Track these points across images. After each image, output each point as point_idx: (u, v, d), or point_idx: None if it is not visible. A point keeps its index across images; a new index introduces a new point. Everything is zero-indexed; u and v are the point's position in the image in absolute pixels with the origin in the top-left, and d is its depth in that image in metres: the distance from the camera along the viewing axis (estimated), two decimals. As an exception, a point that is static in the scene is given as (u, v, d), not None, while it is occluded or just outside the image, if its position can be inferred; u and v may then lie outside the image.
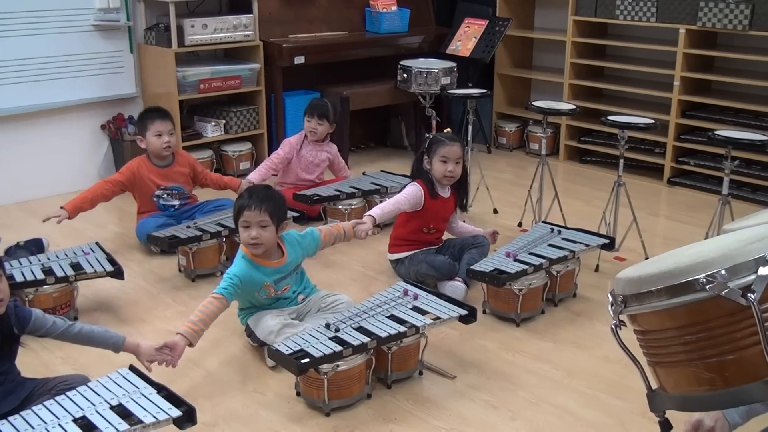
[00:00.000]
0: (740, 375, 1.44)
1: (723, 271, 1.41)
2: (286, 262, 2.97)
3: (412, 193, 3.52)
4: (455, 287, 3.44)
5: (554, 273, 3.36)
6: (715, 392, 1.47)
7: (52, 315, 2.48)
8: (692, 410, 1.63)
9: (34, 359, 2.89)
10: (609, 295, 1.61)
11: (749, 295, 1.39)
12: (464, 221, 3.93)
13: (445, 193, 3.62)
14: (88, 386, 2.26)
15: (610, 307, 1.60)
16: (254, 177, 4.37)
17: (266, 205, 2.85)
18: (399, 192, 3.60)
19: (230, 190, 4.29)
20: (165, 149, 3.98)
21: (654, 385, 1.62)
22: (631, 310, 1.56)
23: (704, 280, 1.41)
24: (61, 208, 3.74)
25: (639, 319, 1.57)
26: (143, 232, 3.89)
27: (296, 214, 3.90)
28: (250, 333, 2.97)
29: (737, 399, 1.46)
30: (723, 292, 1.40)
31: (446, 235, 3.78)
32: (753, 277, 1.40)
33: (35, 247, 3.79)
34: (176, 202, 4.09)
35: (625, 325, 1.61)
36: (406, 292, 2.98)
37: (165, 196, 4.06)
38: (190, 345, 2.71)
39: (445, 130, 3.69)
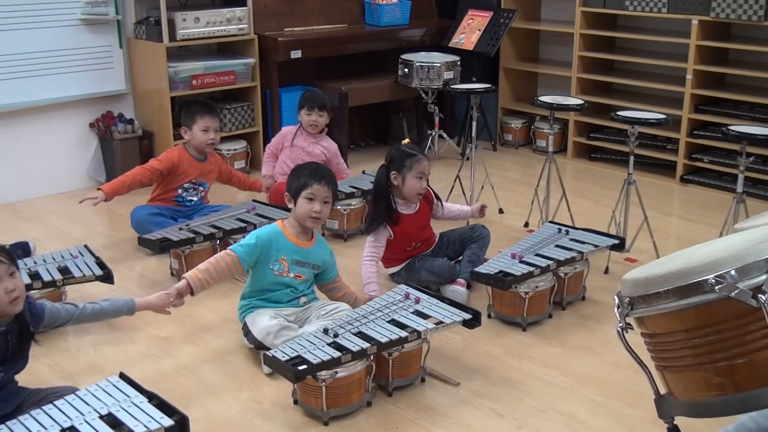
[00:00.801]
0: (751, 379, 1.43)
1: (733, 272, 1.40)
2: (311, 246, 3.04)
3: (377, 237, 3.41)
4: (456, 291, 3.40)
5: (562, 275, 3.33)
6: (726, 397, 1.46)
7: (59, 303, 2.52)
8: (702, 416, 1.63)
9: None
10: (615, 297, 1.60)
11: (760, 296, 1.38)
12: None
13: (411, 209, 3.51)
14: (77, 395, 2.25)
15: (616, 310, 1.60)
16: (268, 171, 4.54)
17: (332, 183, 3.03)
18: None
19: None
20: (209, 145, 4.11)
21: (662, 391, 1.61)
22: (638, 312, 1.55)
23: (713, 280, 1.41)
24: (98, 189, 3.80)
25: (646, 322, 1.57)
26: (136, 218, 4.00)
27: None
28: (247, 332, 2.95)
29: (748, 404, 1.45)
30: (733, 293, 1.39)
31: (442, 227, 3.74)
32: (764, 277, 1.39)
33: (21, 250, 3.75)
34: (195, 198, 4.16)
35: (632, 328, 1.61)
36: (407, 296, 2.96)
37: (191, 189, 4.13)
38: (191, 293, 2.78)
39: (404, 141, 3.62)
